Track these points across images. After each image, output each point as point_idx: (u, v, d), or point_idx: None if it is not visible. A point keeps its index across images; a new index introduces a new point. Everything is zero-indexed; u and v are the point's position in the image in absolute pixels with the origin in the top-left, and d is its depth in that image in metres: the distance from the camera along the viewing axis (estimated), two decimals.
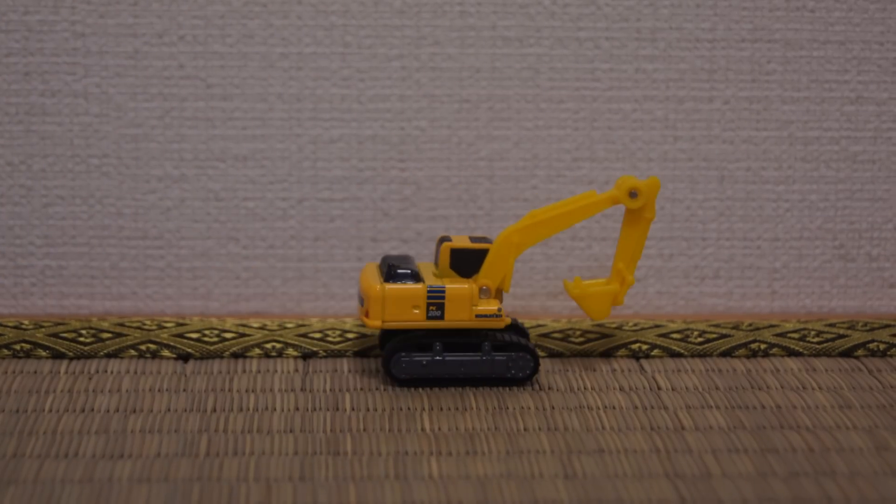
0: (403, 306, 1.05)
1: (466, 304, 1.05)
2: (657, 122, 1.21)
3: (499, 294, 1.07)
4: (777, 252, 1.23)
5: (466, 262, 1.06)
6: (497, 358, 1.06)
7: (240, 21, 1.18)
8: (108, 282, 1.21)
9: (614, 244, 1.22)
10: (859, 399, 1.05)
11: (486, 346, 1.06)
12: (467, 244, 1.07)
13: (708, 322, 1.18)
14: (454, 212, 1.21)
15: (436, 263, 1.09)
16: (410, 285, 1.05)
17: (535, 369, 1.06)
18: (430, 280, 1.06)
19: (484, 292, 1.06)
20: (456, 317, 1.05)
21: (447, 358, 1.06)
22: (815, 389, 1.07)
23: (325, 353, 1.12)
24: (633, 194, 1.07)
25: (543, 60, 1.20)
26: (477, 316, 1.05)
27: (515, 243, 1.06)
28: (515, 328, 1.10)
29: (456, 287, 1.05)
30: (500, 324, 1.05)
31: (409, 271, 1.05)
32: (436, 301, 1.05)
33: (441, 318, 1.05)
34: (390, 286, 1.05)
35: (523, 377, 1.06)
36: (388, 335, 1.10)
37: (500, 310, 1.05)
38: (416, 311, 1.05)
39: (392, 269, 1.06)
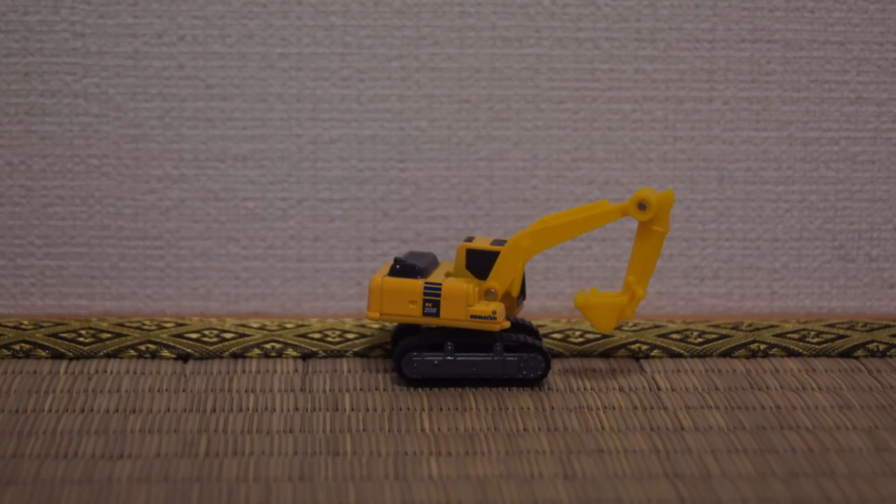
0: (400, 300, 1.06)
1: (462, 303, 1.05)
2: (657, 123, 1.21)
3: (507, 298, 1.07)
4: (777, 252, 1.23)
5: (482, 263, 1.06)
6: (508, 359, 1.06)
7: (240, 21, 1.18)
8: (108, 282, 1.21)
9: (615, 245, 1.22)
10: (859, 399, 1.05)
11: (498, 346, 1.06)
12: (484, 246, 1.07)
13: (707, 322, 1.18)
14: (454, 212, 1.21)
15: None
16: (408, 280, 1.05)
17: (546, 370, 1.06)
18: (439, 278, 1.06)
19: (490, 294, 1.06)
20: (451, 315, 1.05)
21: (458, 358, 1.06)
22: (814, 390, 1.07)
23: (324, 354, 1.12)
24: (641, 206, 1.05)
25: (543, 60, 1.20)
26: (472, 316, 1.05)
27: (524, 248, 1.06)
28: (527, 329, 1.10)
29: (452, 285, 1.05)
30: (495, 326, 1.05)
31: (412, 266, 1.06)
32: (431, 298, 1.05)
33: (436, 315, 1.05)
34: (389, 279, 1.06)
35: (534, 378, 1.06)
36: (400, 334, 1.10)
37: (494, 312, 1.05)
38: (413, 306, 1.05)
39: (397, 263, 1.06)
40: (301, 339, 1.13)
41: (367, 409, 1.02)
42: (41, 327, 1.14)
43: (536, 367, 1.06)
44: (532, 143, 1.21)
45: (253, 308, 1.22)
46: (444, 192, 1.21)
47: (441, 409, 1.02)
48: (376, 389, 1.06)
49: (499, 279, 1.06)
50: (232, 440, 0.97)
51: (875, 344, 1.14)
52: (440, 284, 1.05)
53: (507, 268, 1.06)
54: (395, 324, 1.14)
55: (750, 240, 1.23)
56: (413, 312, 1.05)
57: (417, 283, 1.05)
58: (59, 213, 1.20)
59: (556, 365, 1.11)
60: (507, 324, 1.07)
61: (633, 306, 1.07)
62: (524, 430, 0.99)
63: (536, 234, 1.06)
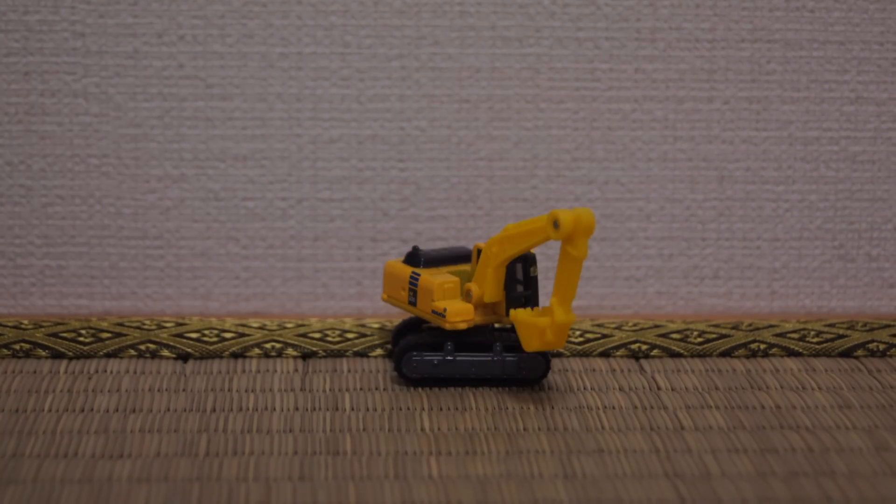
0: (396, 285, 1.08)
1: (428, 296, 1.05)
2: (657, 122, 1.21)
3: (480, 302, 1.05)
4: (777, 252, 1.23)
5: None
6: (508, 359, 1.06)
7: (240, 21, 1.18)
8: (108, 282, 1.21)
9: (615, 245, 1.22)
10: (859, 399, 1.05)
11: (498, 346, 1.05)
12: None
13: (708, 322, 1.18)
14: (454, 212, 1.21)
15: None
16: (405, 267, 1.07)
17: (546, 371, 1.06)
18: (434, 271, 1.06)
19: (467, 295, 1.06)
20: (421, 307, 1.06)
21: (458, 358, 1.06)
22: (814, 389, 1.07)
23: (324, 353, 1.12)
24: (555, 224, 0.99)
25: (543, 60, 1.20)
26: (432, 311, 1.05)
27: (494, 253, 1.05)
28: None
29: (425, 278, 1.05)
30: (445, 324, 1.04)
31: (416, 255, 1.07)
32: (413, 287, 1.06)
33: (415, 305, 1.06)
34: (393, 263, 1.09)
35: (534, 378, 1.06)
36: (400, 334, 1.11)
37: (444, 310, 1.04)
38: (403, 293, 1.07)
39: (412, 249, 1.08)
40: (301, 338, 1.13)
41: (367, 409, 1.02)
42: (41, 327, 1.14)
43: (536, 367, 1.06)
44: (532, 143, 1.21)
45: (253, 308, 1.22)
46: (444, 192, 1.21)
47: (441, 409, 1.02)
48: (376, 389, 1.06)
49: (476, 280, 1.06)
50: (232, 440, 0.97)
51: (875, 344, 1.14)
52: (419, 275, 1.06)
53: (481, 271, 1.05)
54: (396, 324, 1.15)
55: (750, 240, 1.23)
56: (403, 299, 1.07)
57: (407, 271, 1.06)
58: (59, 213, 1.20)
59: (556, 365, 1.11)
60: (462, 325, 1.04)
61: (557, 330, 1.01)
62: (524, 429, 0.99)
63: (502, 241, 1.04)
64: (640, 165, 1.22)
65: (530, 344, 1.03)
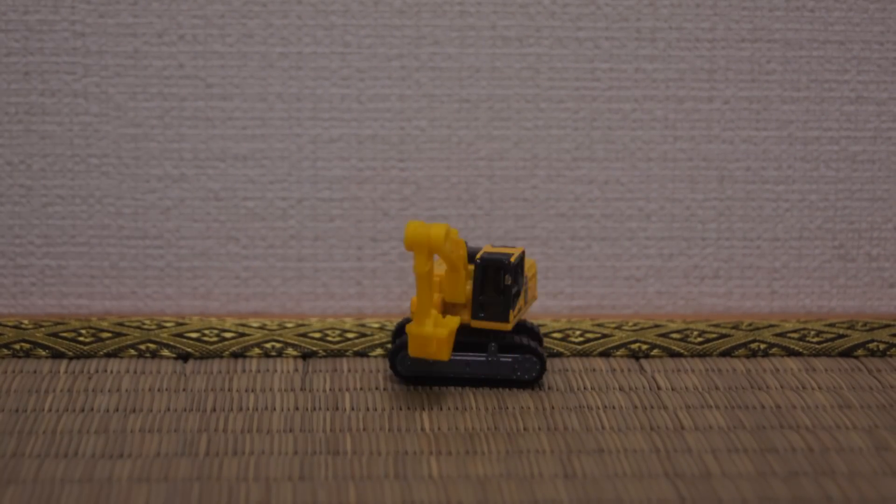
0: None
1: None
2: (657, 122, 1.21)
3: (445, 305, 1.05)
4: (777, 252, 1.23)
5: None
6: (502, 359, 1.06)
7: (240, 21, 1.18)
8: (108, 281, 1.21)
9: (615, 245, 1.22)
10: (859, 399, 1.05)
11: (493, 347, 1.05)
12: (489, 248, 1.06)
13: (708, 322, 1.18)
14: (454, 212, 1.21)
15: None
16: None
17: (541, 372, 1.06)
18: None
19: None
20: None
21: (453, 357, 1.06)
22: (814, 389, 1.07)
23: (324, 353, 1.12)
24: None
25: (543, 60, 1.20)
26: None
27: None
28: (528, 330, 1.09)
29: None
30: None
31: None
32: None
33: None
34: None
35: (529, 379, 1.06)
36: (400, 333, 1.11)
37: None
38: None
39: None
40: (301, 338, 1.13)
41: (367, 409, 1.02)
42: (41, 327, 1.14)
43: (531, 368, 1.06)
44: (532, 143, 1.21)
45: (253, 307, 1.22)
46: (444, 192, 1.21)
47: (441, 409, 1.02)
48: (376, 389, 1.06)
49: None
50: (232, 440, 0.97)
51: (875, 343, 1.15)
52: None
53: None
54: (396, 322, 1.14)
55: (750, 239, 1.23)
56: None
57: None
58: (59, 213, 1.20)
59: (556, 365, 1.11)
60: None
61: (415, 342, 1.00)
62: (524, 429, 0.99)
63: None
64: (640, 165, 1.22)
65: (411, 347, 1.02)
